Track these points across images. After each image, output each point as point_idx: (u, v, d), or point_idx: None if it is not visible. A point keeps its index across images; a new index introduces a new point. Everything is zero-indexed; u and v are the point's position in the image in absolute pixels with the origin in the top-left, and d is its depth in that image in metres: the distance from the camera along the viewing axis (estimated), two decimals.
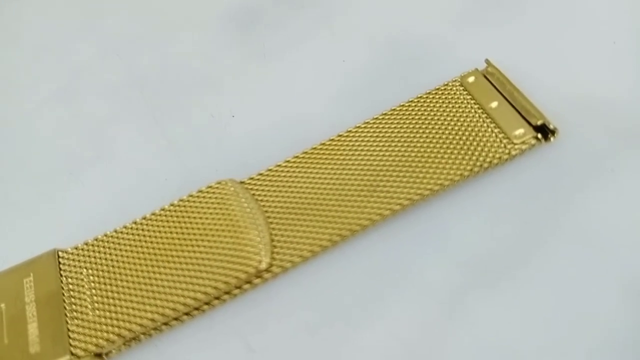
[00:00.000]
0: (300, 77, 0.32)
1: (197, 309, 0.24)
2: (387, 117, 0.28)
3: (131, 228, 0.26)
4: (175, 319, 0.24)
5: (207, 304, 0.24)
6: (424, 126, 0.27)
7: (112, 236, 0.26)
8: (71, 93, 0.34)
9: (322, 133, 0.28)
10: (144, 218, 0.27)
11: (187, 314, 0.24)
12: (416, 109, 0.28)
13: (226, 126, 0.31)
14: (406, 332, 0.23)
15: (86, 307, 0.24)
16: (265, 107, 0.31)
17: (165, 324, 0.24)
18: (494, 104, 0.27)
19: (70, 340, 0.23)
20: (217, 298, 0.24)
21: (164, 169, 0.30)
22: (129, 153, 0.31)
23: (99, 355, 0.24)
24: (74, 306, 0.24)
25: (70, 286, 0.25)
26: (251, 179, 0.28)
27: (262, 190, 0.27)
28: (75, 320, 0.24)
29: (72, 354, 0.23)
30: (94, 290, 0.25)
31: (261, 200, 0.27)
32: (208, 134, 0.31)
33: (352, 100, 0.30)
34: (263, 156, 0.28)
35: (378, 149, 0.27)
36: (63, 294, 0.25)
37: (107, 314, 0.24)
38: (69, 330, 0.24)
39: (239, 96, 0.32)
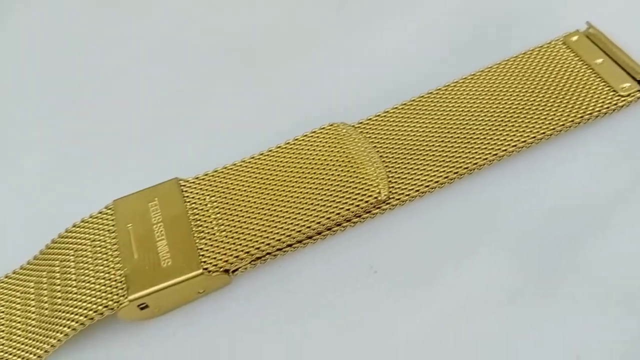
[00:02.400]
0: (405, 36, 0.33)
1: (319, 233, 0.25)
2: (493, 70, 0.29)
3: (249, 162, 0.28)
4: (299, 241, 0.25)
5: (329, 229, 0.25)
6: (530, 79, 0.29)
7: (231, 168, 0.28)
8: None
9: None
10: (261, 153, 0.28)
11: (310, 237, 0.25)
12: (521, 64, 0.29)
13: (330, 78, 0.32)
14: (507, 268, 0.24)
15: (212, 228, 0.25)
16: (370, 64, 0.33)
17: (290, 245, 0.25)
18: (599, 60, 0.29)
19: (201, 257, 0.25)
20: (338, 224, 0.26)
21: (270, 121, 0.31)
22: (231, 105, 0.32)
23: (226, 271, 0.25)
24: (201, 227, 0.25)
25: (195, 210, 0.26)
26: (360, 123, 0.29)
27: (373, 132, 0.28)
28: (204, 240, 0.25)
29: (204, 269, 0.24)
30: (218, 215, 0.26)
31: (372, 142, 0.28)
32: (312, 86, 0.32)
33: (457, 59, 0.31)
34: (370, 106, 0.30)
35: (487, 97, 0.28)
36: (189, 217, 0.26)
37: (234, 234, 0.25)
38: (198, 247, 0.25)
39: (340, 56, 0.33)
